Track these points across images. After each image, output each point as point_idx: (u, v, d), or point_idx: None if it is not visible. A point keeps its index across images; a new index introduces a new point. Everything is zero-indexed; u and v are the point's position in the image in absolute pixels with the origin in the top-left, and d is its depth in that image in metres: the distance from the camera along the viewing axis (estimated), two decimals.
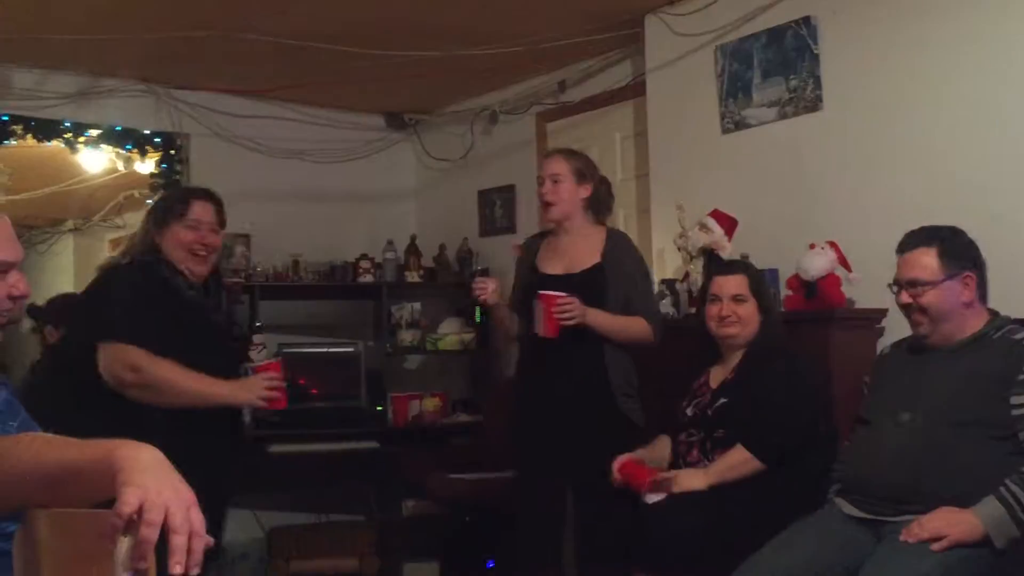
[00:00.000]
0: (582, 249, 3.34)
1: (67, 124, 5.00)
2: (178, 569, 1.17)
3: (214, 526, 1.57)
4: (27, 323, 5.37)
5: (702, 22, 4.07)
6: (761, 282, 3.18)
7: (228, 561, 4.84)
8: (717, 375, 3.14)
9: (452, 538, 4.62)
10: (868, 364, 2.99)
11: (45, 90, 4.84)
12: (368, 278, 5.38)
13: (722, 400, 3.04)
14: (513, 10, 4.19)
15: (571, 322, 3.13)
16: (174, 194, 3.66)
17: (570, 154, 3.43)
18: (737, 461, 2.88)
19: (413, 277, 5.44)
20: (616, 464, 3.06)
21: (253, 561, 5.08)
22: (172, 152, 5.28)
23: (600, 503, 3.16)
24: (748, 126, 3.94)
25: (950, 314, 2.61)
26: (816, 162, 3.73)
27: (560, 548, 3.39)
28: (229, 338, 3.42)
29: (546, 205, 3.36)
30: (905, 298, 2.66)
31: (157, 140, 5.24)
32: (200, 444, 2.62)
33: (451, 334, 5.36)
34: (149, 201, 5.39)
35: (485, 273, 3.91)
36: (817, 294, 3.40)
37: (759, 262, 3.38)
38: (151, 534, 1.16)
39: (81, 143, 5.10)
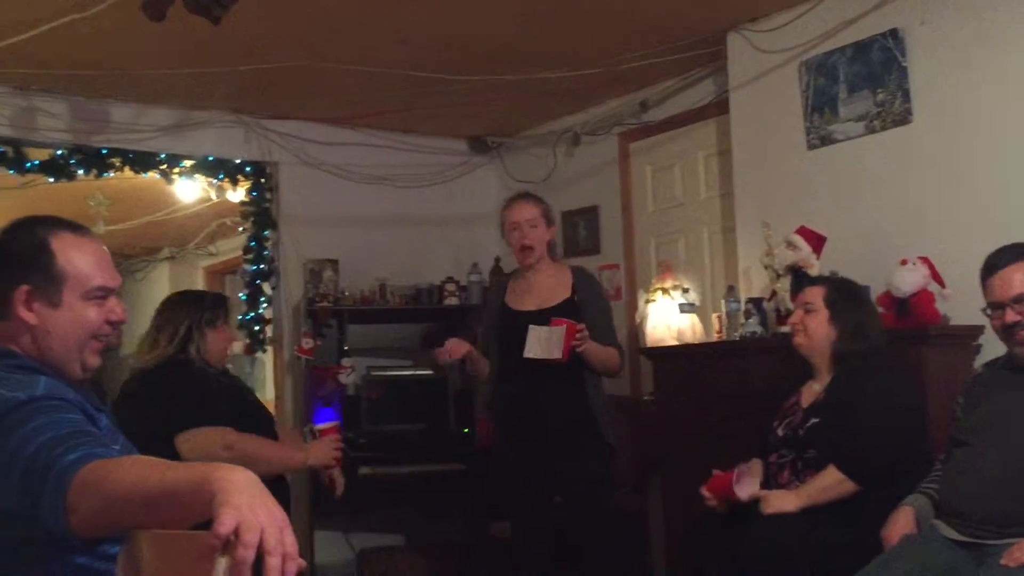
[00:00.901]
0: (551, 286, 3.56)
1: (162, 156, 5.14)
2: None
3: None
4: (127, 348, 5.53)
5: (785, 38, 4.04)
6: (844, 295, 3.08)
7: None
8: (808, 394, 3.09)
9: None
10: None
11: (141, 123, 5.00)
12: (453, 301, 5.42)
13: (813, 420, 2.98)
14: (594, 32, 4.20)
15: (580, 347, 3.32)
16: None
17: (537, 199, 3.63)
18: (830, 483, 2.82)
19: None
20: (703, 490, 3.02)
21: None
22: (262, 180, 5.40)
23: (600, 521, 3.43)
24: (835, 141, 3.88)
25: None
26: (906, 176, 3.65)
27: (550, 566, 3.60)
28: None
29: (526, 249, 3.53)
30: (1012, 316, 2.54)
31: (248, 169, 5.37)
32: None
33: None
34: (241, 229, 5.53)
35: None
36: (910, 312, 3.31)
37: None
38: (248, 555, 1.18)
39: (176, 174, 5.25)
